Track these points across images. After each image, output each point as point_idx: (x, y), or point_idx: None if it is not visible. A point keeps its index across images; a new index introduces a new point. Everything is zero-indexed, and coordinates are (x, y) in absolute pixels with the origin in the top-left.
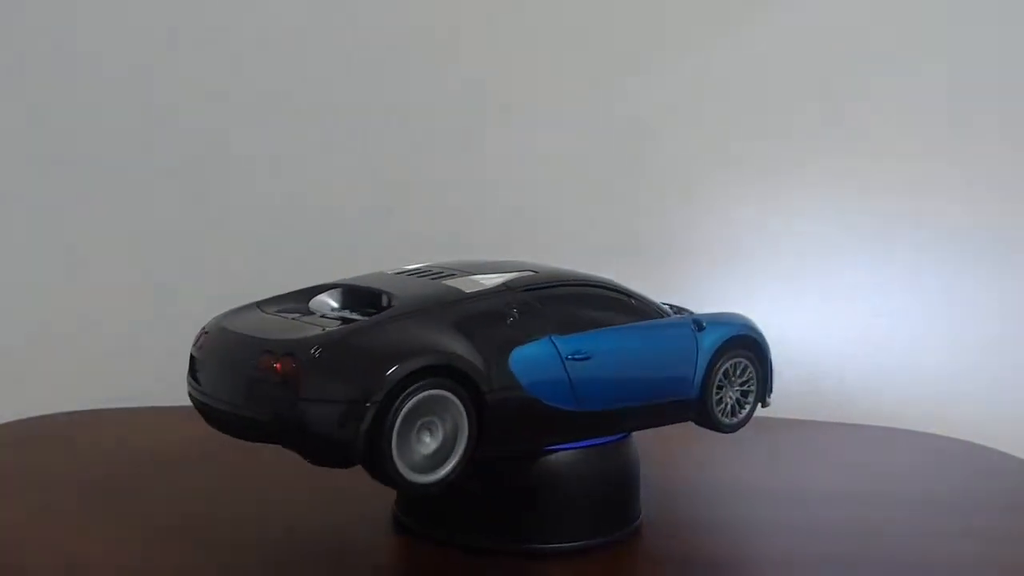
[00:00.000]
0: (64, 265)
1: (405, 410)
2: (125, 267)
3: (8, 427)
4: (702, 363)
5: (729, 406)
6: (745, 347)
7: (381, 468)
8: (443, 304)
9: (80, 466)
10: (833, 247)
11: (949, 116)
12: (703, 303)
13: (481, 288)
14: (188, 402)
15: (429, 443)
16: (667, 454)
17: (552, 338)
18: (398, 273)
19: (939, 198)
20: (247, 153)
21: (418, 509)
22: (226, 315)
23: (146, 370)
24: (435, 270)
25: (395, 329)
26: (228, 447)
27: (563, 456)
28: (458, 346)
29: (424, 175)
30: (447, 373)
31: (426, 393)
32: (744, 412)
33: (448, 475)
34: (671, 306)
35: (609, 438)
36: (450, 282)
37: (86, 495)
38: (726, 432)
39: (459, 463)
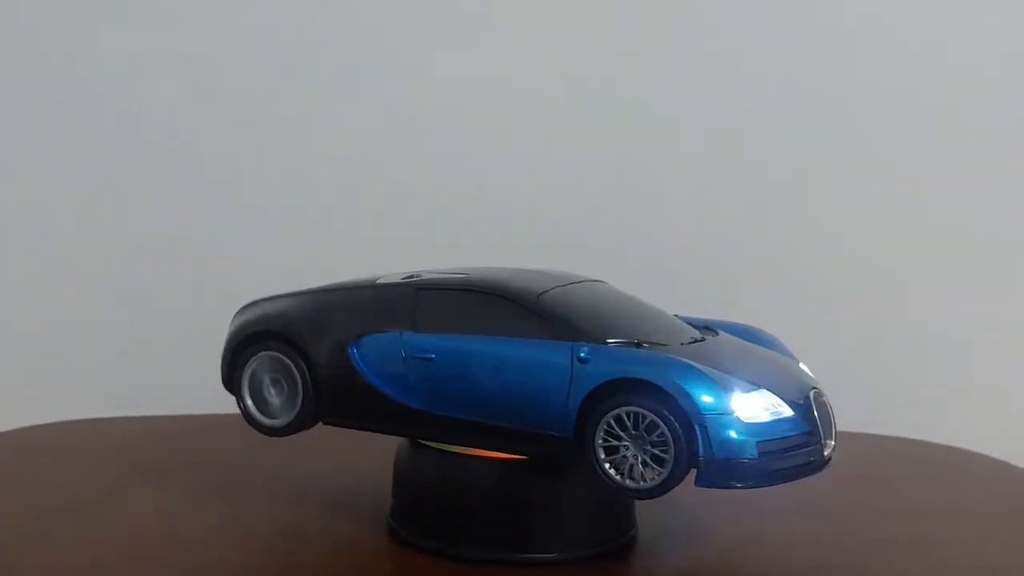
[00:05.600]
0: (61, 273)
1: (251, 361)
2: (124, 274)
3: (7, 436)
4: (575, 401)
5: (629, 465)
6: (648, 397)
7: (238, 403)
8: (350, 290)
9: (79, 475)
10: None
11: None
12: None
13: (388, 282)
14: (186, 410)
15: (276, 395)
16: None
17: (402, 333)
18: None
19: None
20: (245, 156)
21: (412, 519)
22: None
23: (146, 379)
24: (419, 271)
25: (287, 302)
26: (224, 455)
27: (557, 465)
28: (314, 321)
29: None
30: (284, 340)
31: (264, 352)
32: (652, 482)
33: (284, 424)
34: (708, 327)
35: None
36: (388, 276)
37: (84, 504)
38: (624, 496)
39: (295, 418)
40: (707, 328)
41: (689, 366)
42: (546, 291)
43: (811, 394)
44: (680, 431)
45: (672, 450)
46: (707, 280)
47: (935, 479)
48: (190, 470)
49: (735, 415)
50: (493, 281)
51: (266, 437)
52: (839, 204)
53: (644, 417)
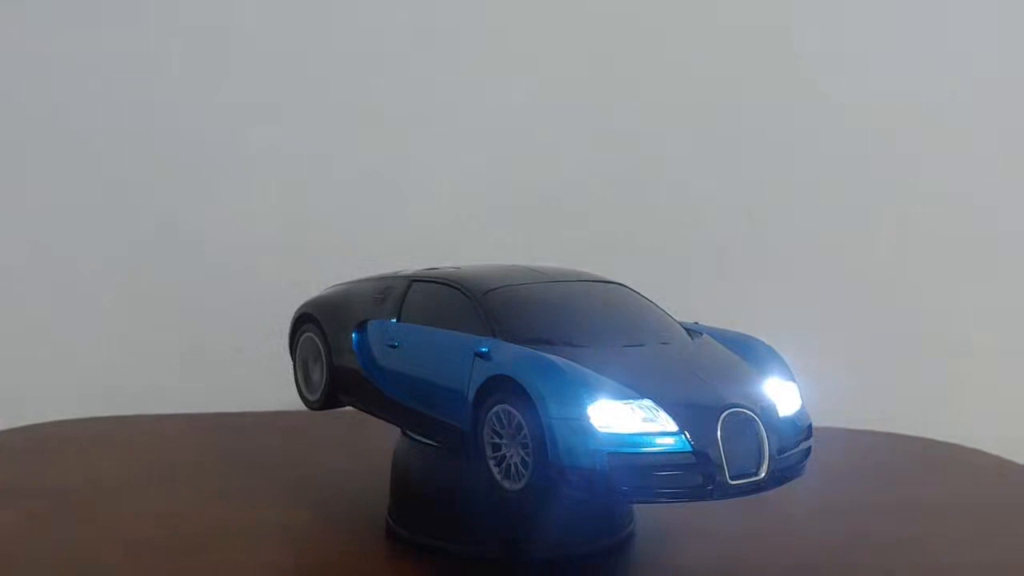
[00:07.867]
0: (61, 272)
1: (298, 341)
2: (124, 274)
3: (6, 436)
4: (470, 396)
5: (506, 464)
6: (518, 396)
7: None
8: (368, 281)
9: (78, 475)
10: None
11: None
12: None
13: (400, 275)
14: (184, 409)
15: (316, 372)
16: None
17: (384, 322)
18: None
19: None
20: (247, 156)
21: (411, 519)
22: None
23: (146, 379)
24: (440, 265)
25: (335, 289)
26: (224, 455)
27: None
28: (337, 307)
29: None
30: (314, 323)
31: (304, 334)
32: (520, 483)
33: (316, 400)
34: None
35: None
36: (406, 271)
37: (84, 505)
38: (506, 496)
39: (321, 396)
40: (697, 334)
41: (552, 366)
42: (499, 288)
43: (724, 415)
44: (537, 432)
45: (533, 451)
46: (708, 282)
47: (934, 476)
48: (190, 470)
49: (588, 421)
50: (460, 276)
51: (264, 437)
52: (839, 205)
53: (513, 416)
